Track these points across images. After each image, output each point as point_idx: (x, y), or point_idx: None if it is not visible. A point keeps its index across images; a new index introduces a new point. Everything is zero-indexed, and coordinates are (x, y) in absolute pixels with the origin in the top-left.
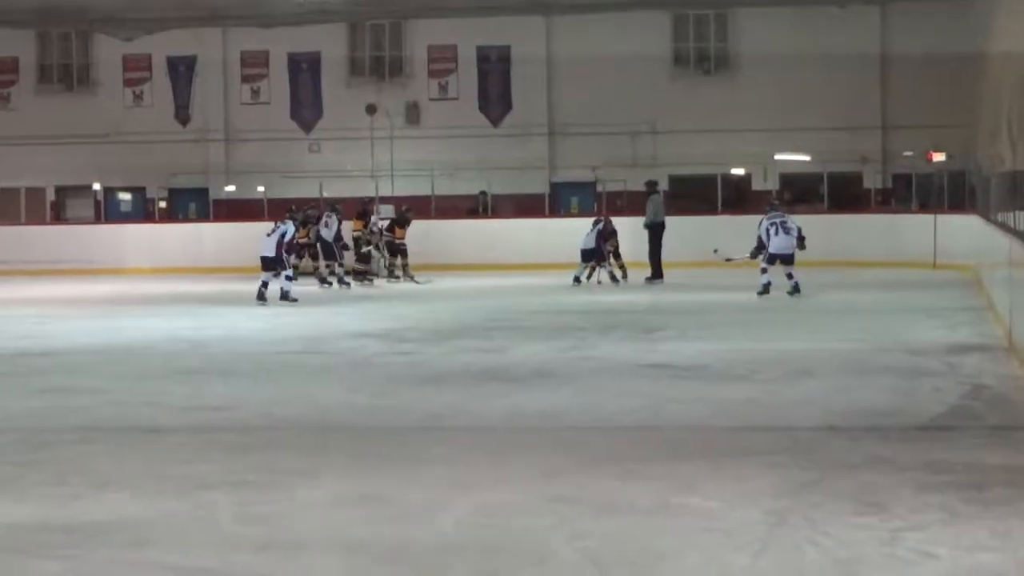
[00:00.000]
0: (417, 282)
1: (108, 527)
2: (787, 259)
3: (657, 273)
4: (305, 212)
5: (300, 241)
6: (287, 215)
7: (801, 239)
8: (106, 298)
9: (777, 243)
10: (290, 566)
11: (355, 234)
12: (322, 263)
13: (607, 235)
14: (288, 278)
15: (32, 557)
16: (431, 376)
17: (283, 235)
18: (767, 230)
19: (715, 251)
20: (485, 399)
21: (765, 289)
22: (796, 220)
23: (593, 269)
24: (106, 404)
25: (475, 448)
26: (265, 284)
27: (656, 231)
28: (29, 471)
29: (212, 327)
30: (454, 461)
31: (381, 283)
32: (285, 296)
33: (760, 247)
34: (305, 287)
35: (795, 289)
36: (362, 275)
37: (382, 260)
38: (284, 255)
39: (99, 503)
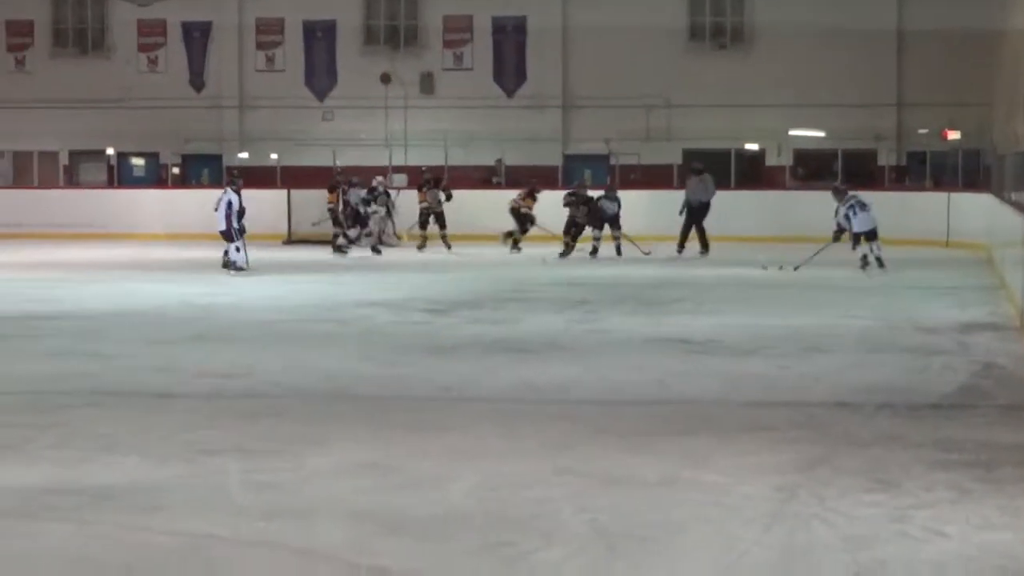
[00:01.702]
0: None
1: (117, 491)
2: (871, 235)
3: (705, 247)
4: (334, 179)
5: (330, 207)
6: (227, 183)
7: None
8: (118, 263)
9: (860, 222)
10: (298, 533)
11: (329, 207)
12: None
13: (577, 203)
14: (237, 249)
15: (41, 520)
16: (441, 346)
17: (228, 205)
18: (847, 216)
19: (764, 267)
20: (495, 370)
21: (864, 262)
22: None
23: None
24: (116, 369)
25: (484, 419)
26: (227, 252)
27: (703, 210)
28: (39, 434)
29: (223, 293)
30: (463, 431)
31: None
32: (231, 265)
33: (840, 231)
34: (311, 255)
35: (880, 263)
36: (340, 247)
37: (389, 226)
38: (233, 225)
39: (108, 467)
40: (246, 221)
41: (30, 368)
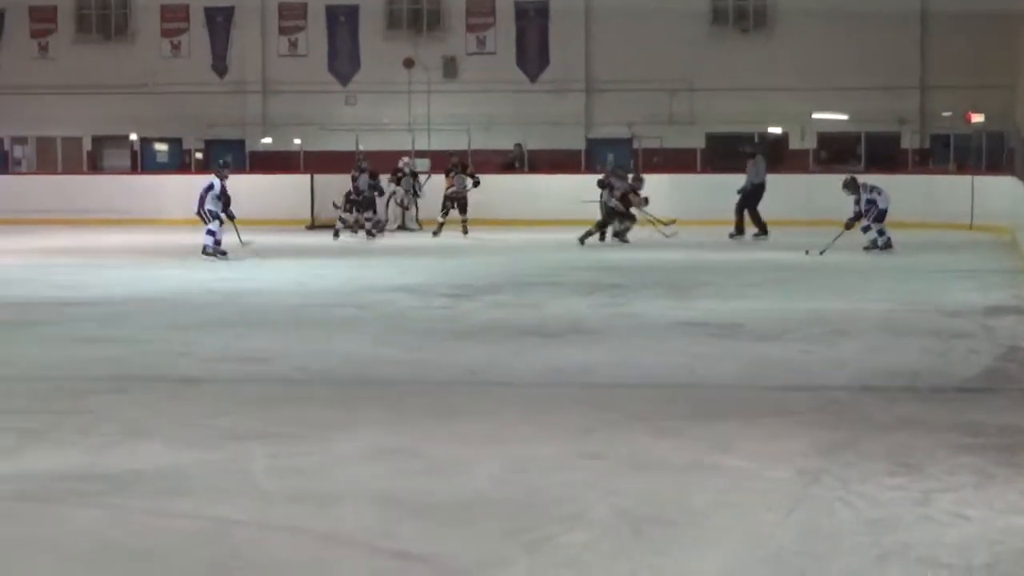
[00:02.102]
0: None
1: (142, 477)
2: (881, 217)
3: (763, 229)
4: (358, 164)
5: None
6: (216, 168)
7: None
8: (142, 248)
9: (884, 199)
10: (323, 518)
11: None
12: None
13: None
14: (209, 232)
15: (67, 505)
16: (465, 331)
17: (208, 189)
18: (871, 200)
19: (807, 252)
20: (520, 354)
21: (888, 243)
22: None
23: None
24: (141, 354)
25: (509, 403)
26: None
27: (757, 192)
28: (64, 420)
29: (246, 279)
30: (488, 416)
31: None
32: (204, 250)
33: (856, 218)
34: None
35: (886, 244)
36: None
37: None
38: (205, 207)
39: (133, 453)
40: (234, 208)
41: (55, 353)
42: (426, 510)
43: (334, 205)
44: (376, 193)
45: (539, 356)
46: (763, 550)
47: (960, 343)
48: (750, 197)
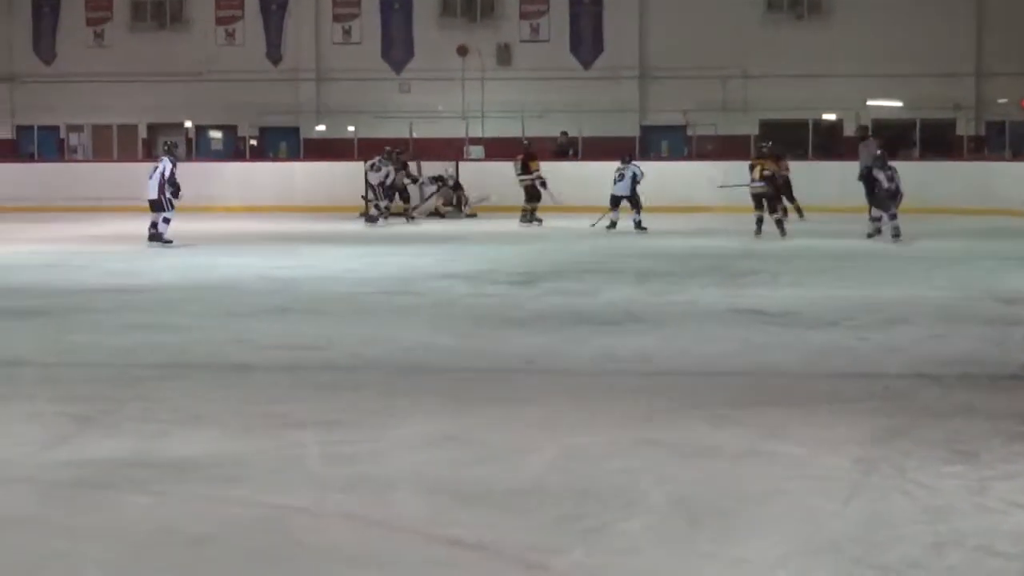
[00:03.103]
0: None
1: (197, 464)
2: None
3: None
4: (397, 154)
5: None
6: (163, 151)
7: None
8: (196, 236)
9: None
10: (378, 506)
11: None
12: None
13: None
14: (166, 220)
15: (123, 492)
16: (520, 318)
17: (162, 173)
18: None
19: (870, 235)
20: (575, 342)
21: (873, 231)
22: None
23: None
24: (195, 341)
25: (564, 391)
26: (154, 225)
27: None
28: (120, 407)
29: (301, 266)
30: (543, 403)
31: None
32: (158, 238)
33: (894, 194)
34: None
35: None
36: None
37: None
38: (165, 195)
39: (188, 440)
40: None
41: (112, 341)
42: (481, 498)
43: (364, 197)
44: (411, 181)
45: (594, 343)
46: (819, 538)
47: (1016, 331)
48: (868, 180)
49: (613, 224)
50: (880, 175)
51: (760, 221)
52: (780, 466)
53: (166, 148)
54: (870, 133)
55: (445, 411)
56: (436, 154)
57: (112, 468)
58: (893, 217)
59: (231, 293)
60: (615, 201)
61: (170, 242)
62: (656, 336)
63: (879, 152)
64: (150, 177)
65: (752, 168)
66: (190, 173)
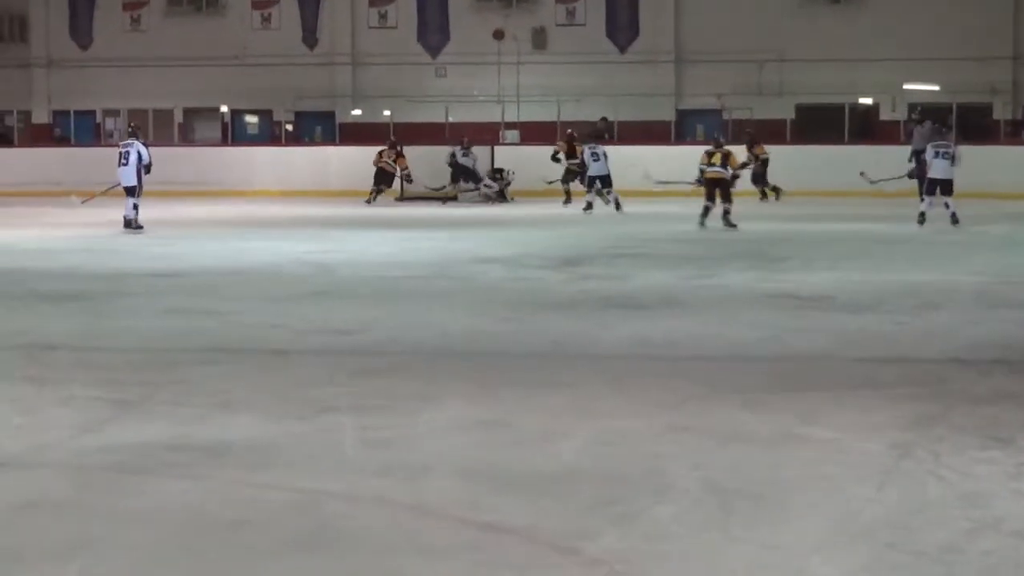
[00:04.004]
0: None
1: (233, 448)
2: (946, 187)
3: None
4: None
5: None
6: (130, 133)
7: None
8: (232, 220)
9: (938, 168)
10: (412, 490)
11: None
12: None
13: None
14: (135, 206)
15: (159, 476)
16: (554, 302)
17: (138, 159)
18: (929, 158)
19: (861, 174)
20: (608, 326)
21: (922, 219)
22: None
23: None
24: (231, 325)
25: (597, 375)
26: (136, 208)
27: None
28: (156, 391)
29: (337, 250)
30: (575, 388)
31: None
32: (129, 224)
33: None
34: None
35: (954, 219)
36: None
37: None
38: (141, 180)
39: (224, 424)
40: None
41: (148, 325)
42: (514, 482)
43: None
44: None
45: (627, 328)
46: (853, 523)
47: None
48: (921, 165)
49: (590, 206)
50: (930, 156)
51: (707, 211)
52: (813, 451)
53: (131, 130)
54: (921, 119)
55: (479, 395)
56: (472, 138)
57: (148, 452)
58: (947, 205)
59: (268, 278)
60: (592, 182)
61: (142, 227)
62: (689, 321)
63: (939, 128)
64: (123, 163)
65: (711, 155)
66: (225, 157)
